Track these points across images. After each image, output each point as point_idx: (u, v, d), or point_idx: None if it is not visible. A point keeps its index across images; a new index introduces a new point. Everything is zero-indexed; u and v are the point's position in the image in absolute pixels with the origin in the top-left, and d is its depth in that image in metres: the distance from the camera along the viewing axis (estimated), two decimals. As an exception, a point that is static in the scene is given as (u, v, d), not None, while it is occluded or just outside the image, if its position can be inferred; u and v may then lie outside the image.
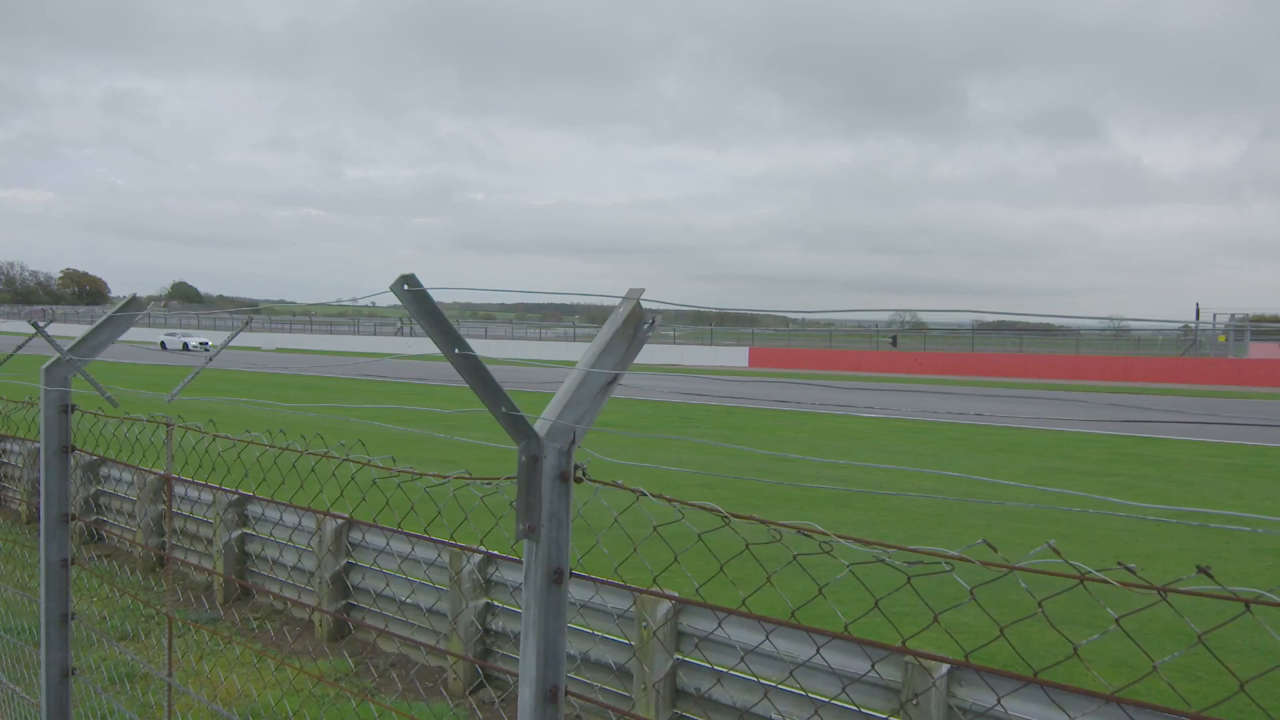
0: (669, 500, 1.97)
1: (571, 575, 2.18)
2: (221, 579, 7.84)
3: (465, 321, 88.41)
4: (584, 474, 2.17)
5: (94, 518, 9.83)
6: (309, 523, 7.14)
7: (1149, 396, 33.94)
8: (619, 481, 2.09)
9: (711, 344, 62.03)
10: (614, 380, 2.25)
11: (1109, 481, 14.86)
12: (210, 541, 8.19)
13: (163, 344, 64.00)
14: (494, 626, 6.08)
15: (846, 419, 24.31)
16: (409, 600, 6.52)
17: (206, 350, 59.04)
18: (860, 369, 51.03)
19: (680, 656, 5.08)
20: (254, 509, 7.87)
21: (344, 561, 6.97)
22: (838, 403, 27.51)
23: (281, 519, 7.48)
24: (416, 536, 6.22)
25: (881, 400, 27.22)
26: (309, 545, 7.23)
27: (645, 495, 2.01)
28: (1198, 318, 49.47)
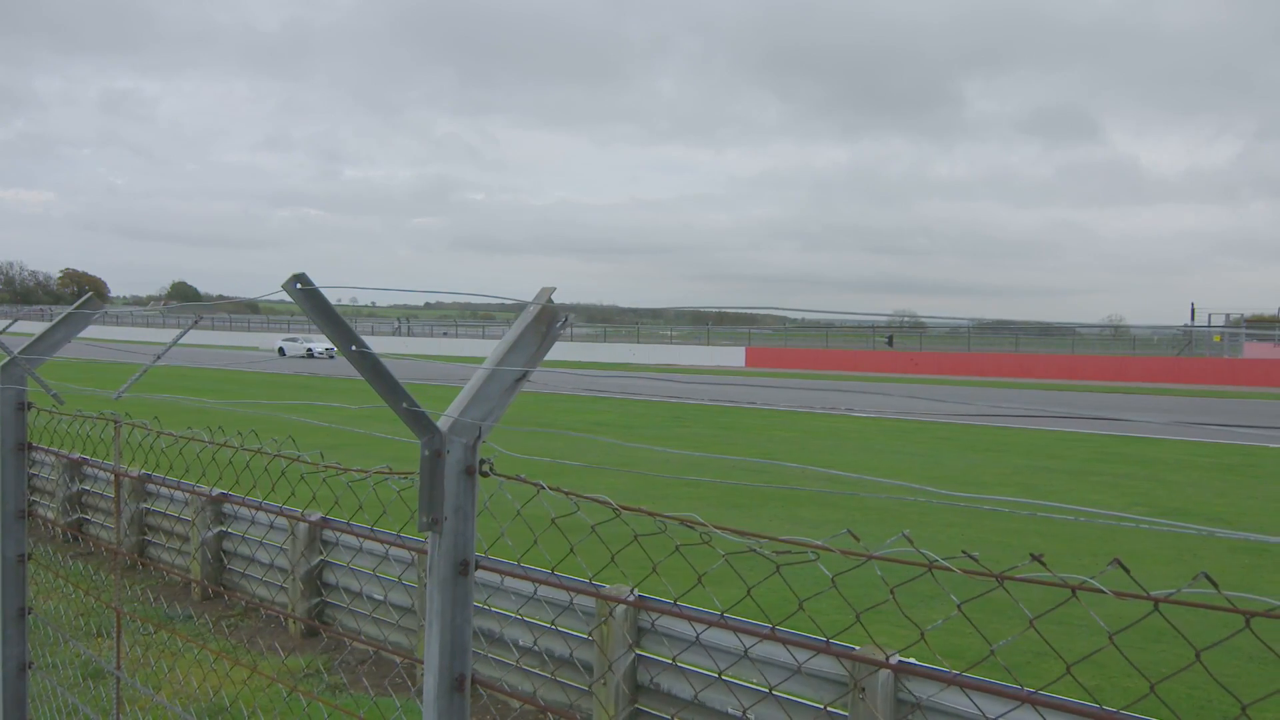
0: (566, 493, 2.03)
1: (478, 566, 2.24)
2: (189, 576, 7.89)
3: (464, 321, 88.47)
4: (490, 468, 2.23)
5: (76, 516, 9.89)
6: (283, 521, 7.19)
7: (1143, 396, 34.00)
8: (522, 476, 2.15)
9: (708, 344, 62.07)
10: (523, 377, 2.30)
11: (1093, 481, 14.92)
12: (188, 539, 8.25)
13: (281, 350, 57.37)
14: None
15: (837, 418, 24.36)
16: (381, 598, 6.58)
17: (332, 357, 53.65)
18: (857, 369, 51.09)
19: (641, 652, 5.15)
20: (230, 508, 7.92)
21: (317, 560, 7.03)
22: (798, 402, 27.57)
23: (267, 521, 7.53)
24: (387, 535, 6.28)
25: (844, 401, 27.26)
26: (283, 544, 7.29)
27: (544, 488, 2.07)
28: (1193, 318, 49.52)
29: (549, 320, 2.33)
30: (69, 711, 4.15)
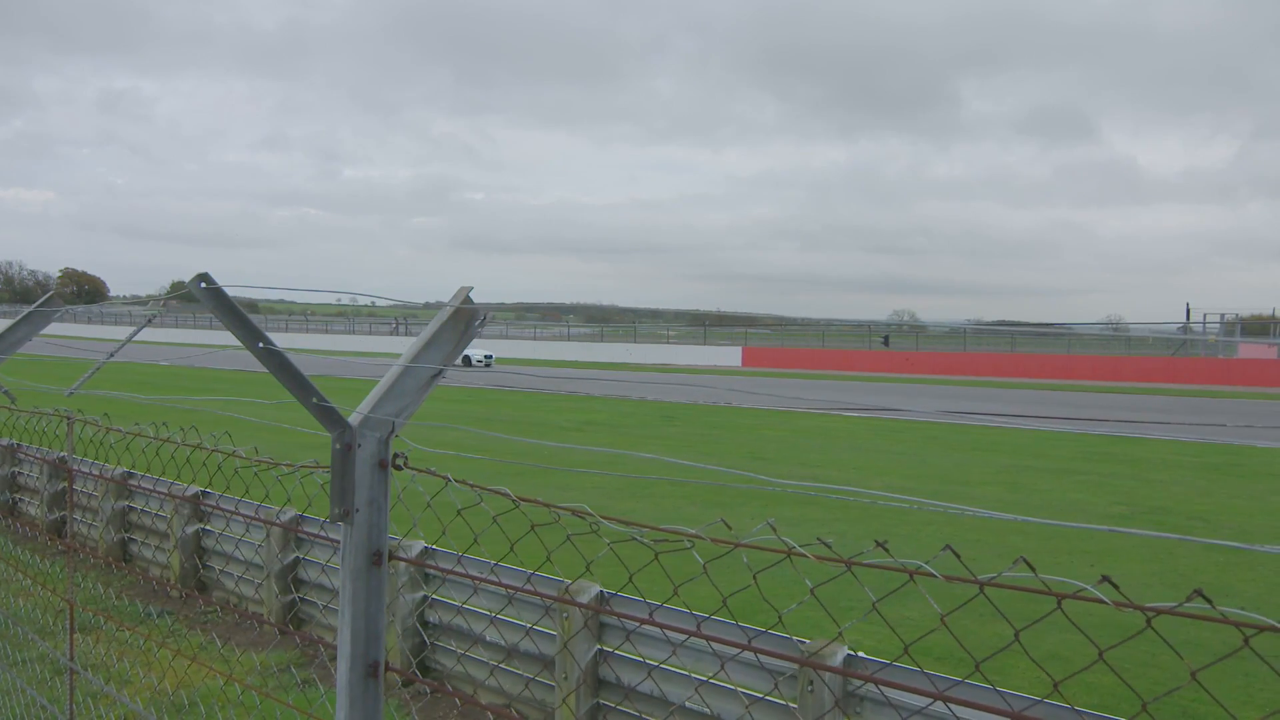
0: (470, 485, 2.11)
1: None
2: (166, 575, 7.97)
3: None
4: (404, 462, 2.30)
5: (60, 514, 9.98)
6: (262, 522, 7.27)
7: (1137, 396, 34.07)
8: (432, 469, 2.22)
9: (705, 343, 62.12)
10: (438, 374, 2.38)
11: (1078, 479, 14.98)
12: (168, 536, 8.33)
13: None
14: (432, 619, 6.22)
15: (827, 417, 24.44)
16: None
17: (489, 365, 47.40)
18: (853, 368, 51.17)
19: (604, 647, 5.24)
20: (210, 506, 8.00)
21: (292, 556, 7.11)
22: (787, 401, 27.62)
23: (240, 520, 7.61)
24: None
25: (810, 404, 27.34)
26: (242, 533, 7.37)
27: (451, 481, 2.14)
28: (1188, 317, 49.61)
29: (467, 319, 2.40)
30: (29, 704, 4.23)
